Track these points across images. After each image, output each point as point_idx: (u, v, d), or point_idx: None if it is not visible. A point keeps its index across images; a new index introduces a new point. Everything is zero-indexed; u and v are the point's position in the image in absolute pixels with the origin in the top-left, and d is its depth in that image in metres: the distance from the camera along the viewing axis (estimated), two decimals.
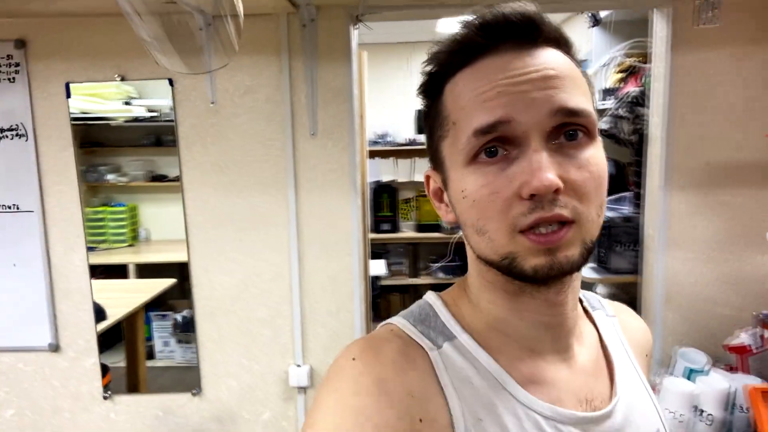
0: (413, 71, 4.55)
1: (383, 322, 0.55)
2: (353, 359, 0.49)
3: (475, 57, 0.48)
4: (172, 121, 1.73)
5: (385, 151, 4.53)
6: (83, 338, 1.83)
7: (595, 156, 0.47)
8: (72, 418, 1.87)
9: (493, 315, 0.53)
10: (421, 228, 4.73)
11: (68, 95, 1.73)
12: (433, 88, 0.51)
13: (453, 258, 4.59)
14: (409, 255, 4.93)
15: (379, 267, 4.20)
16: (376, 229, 4.60)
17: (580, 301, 0.60)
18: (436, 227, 4.61)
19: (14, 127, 1.73)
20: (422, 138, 4.43)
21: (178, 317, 2.09)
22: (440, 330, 0.53)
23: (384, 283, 4.80)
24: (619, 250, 1.95)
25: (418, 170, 4.61)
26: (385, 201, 4.68)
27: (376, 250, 4.69)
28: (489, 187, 0.46)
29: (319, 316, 1.80)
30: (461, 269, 4.60)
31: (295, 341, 1.81)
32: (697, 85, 1.64)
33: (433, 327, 0.53)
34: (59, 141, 1.74)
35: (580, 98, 0.46)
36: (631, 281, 1.91)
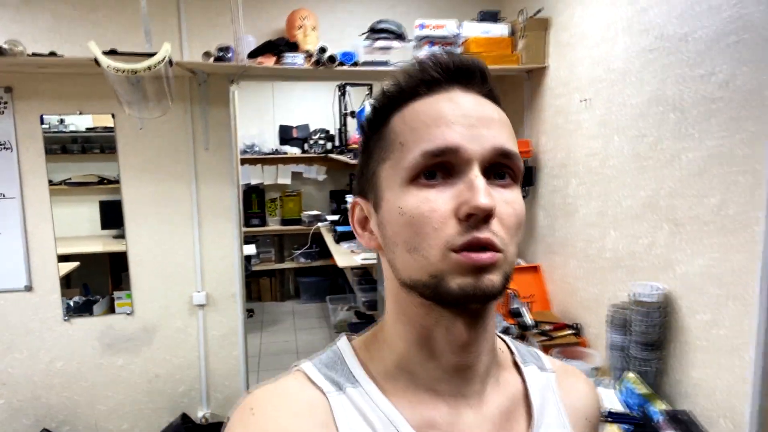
0: (276, 96, 5.75)
1: (293, 366, 0.56)
2: (251, 410, 0.50)
3: (427, 91, 0.52)
4: (113, 138, 2.78)
5: (253, 159, 5.64)
6: (49, 282, 2.79)
7: (519, 198, 0.51)
8: (40, 336, 2.81)
9: (403, 353, 0.53)
10: (285, 222, 5.93)
11: (42, 123, 2.70)
12: (379, 119, 0.54)
13: (311, 246, 5.84)
14: (276, 244, 6.10)
15: (250, 249, 5.29)
16: (247, 223, 5.69)
17: (511, 353, 0.61)
18: (298, 221, 5.83)
19: (3, 143, 2.67)
20: (285, 148, 5.67)
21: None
22: (346, 375, 0.53)
23: (256, 268, 5.90)
24: None
25: (282, 175, 5.80)
26: (254, 200, 5.80)
27: (249, 241, 5.78)
28: (428, 204, 0.48)
29: (212, 260, 2.94)
30: (319, 254, 5.87)
31: (197, 276, 2.92)
32: None
33: (339, 372, 0.54)
34: (34, 152, 2.71)
35: (513, 145, 0.51)
36: None
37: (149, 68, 2.15)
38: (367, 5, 2.94)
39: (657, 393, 1.87)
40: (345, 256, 4.50)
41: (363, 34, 2.56)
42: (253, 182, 5.75)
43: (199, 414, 3.00)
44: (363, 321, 4.64)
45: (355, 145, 4.88)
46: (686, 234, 1.77)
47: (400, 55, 2.62)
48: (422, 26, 2.48)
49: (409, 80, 0.53)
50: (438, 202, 0.48)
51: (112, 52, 2.22)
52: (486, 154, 0.49)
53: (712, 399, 1.71)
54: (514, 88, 2.89)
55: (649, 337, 1.86)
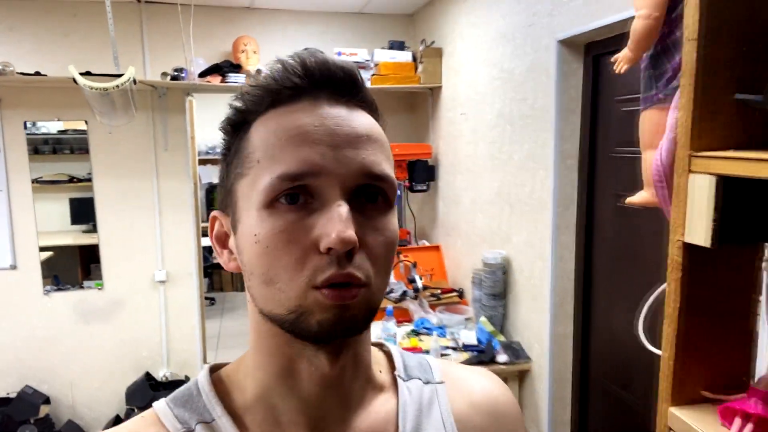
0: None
1: (149, 409, 0.51)
2: None
3: (290, 98, 0.46)
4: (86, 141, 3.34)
5: (216, 159, 6.18)
6: (31, 261, 3.32)
7: (391, 223, 0.47)
8: (23, 308, 3.34)
9: (263, 385, 0.49)
10: None
11: (25, 128, 3.24)
12: (238, 124, 0.48)
13: None
14: None
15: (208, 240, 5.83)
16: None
17: (393, 368, 0.56)
18: None
19: None
20: None
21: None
22: (199, 412, 0.50)
23: (217, 260, 6.42)
24: None
25: None
26: (216, 197, 6.33)
27: None
28: (286, 234, 0.43)
29: (172, 242, 3.51)
30: None
31: (158, 257, 3.49)
32: None
33: (191, 408, 0.50)
34: (18, 153, 3.24)
35: (385, 164, 0.46)
36: None
37: (117, 86, 2.72)
38: (302, 32, 3.55)
39: (501, 331, 2.55)
40: None
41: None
42: (215, 181, 6.29)
43: (161, 373, 3.57)
44: None
45: None
46: (517, 214, 2.45)
47: None
48: (339, 53, 3.11)
49: (270, 83, 0.46)
50: (298, 232, 0.43)
51: (87, 74, 2.78)
52: (350, 178, 0.44)
53: (532, 331, 2.38)
54: (421, 102, 3.55)
55: (495, 289, 2.53)
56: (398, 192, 3.35)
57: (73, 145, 3.69)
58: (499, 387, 0.59)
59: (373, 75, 3.22)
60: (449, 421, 0.54)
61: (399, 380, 0.55)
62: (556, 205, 2.15)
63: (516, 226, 2.46)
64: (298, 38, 3.49)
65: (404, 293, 2.99)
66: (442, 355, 2.39)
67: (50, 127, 3.57)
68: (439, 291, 3.07)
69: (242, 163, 0.47)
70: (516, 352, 2.39)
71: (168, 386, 3.52)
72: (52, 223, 3.63)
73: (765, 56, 0.82)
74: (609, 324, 2.10)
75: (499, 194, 2.60)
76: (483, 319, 2.55)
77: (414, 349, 2.47)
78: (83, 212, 3.57)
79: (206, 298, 5.26)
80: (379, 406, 0.53)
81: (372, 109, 0.49)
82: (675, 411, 0.90)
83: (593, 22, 1.85)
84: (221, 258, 0.50)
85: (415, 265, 3.14)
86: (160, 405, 0.51)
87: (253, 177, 0.45)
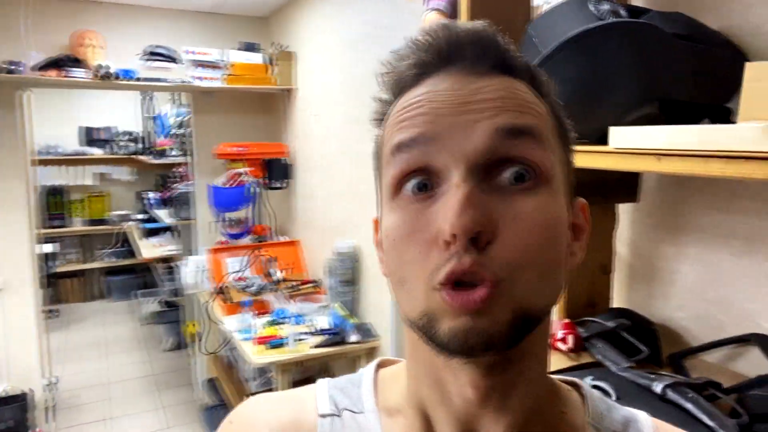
0: (82, 100, 5.89)
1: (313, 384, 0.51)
2: (230, 422, 0.48)
3: (417, 79, 0.41)
4: None
5: (56, 159, 5.73)
6: None
7: (544, 206, 0.38)
8: None
9: (415, 390, 0.44)
10: (91, 222, 6.06)
11: None
12: (380, 117, 0.45)
13: (121, 245, 6.07)
14: (82, 245, 6.19)
15: (48, 247, 5.39)
16: (48, 224, 5.72)
17: (587, 410, 0.46)
18: (104, 221, 6.02)
19: None
20: (89, 149, 5.85)
21: None
22: (353, 401, 0.47)
23: (61, 269, 5.95)
24: None
25: (87, 176, 5.96)
26: (56, 201, 5.87)
27: (52, 240, 5.82)
28: (408, 226, 0.38)
29: (6, 249, 3.26)
30: (129, 253, 6.12)
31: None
32: None
33: (348, 395, 0.48)
34: None
35: (531, 123, 0.38)
36: None
37: None
38: (151, 29, 3.49)
39: (353, 314, 2.77)
40: (149, 249, 4.93)
41: (140, 55, 3.14)
42: (58, 183, 5.83)
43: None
44: (169, 309, 5.08)
45: (161, 147, 5.31)
46: (365, 205, 2.68)
47: (178, 73, 3.24)
48: (188, 52, 3.13)
49: (399, 67, 0.43)
50: (418, 224, 0.38)
51: None
52: (475, 147, 0.37)
53: (380, 313, 2.63)
54: (276, 103, 3.68)
55: (346, 276, 2.74)
56: (257, 190, 3.39)
57: None
58: None
59: (228, 75, 3.28)
60: None
61: (592, 429, 0.45)
62: None
63: (365, 216, 2.69)
64: (146, 35, 3.43)
65: (262, 287, 3.10)
66: (299, 340, 2.54)
67: None
68: (297, 283, 3.22)
69: (379, 156, 0.44)
70: (366, 332, 2.62)
71: (4, 402, 3.26)
72: None
73: None
74: None
75: (350, 189, 2.81)
76: (336, 304, 2.75)
77: (272, 337, 2.59)
78: None
79: (49, 310, 4.88)
80: None
81: (521, 74, 0.41)
82: None
83: None
84: (381, 264, 0.45)
85: (271, 259, 3.26)
86: (322, 384, 0.50)
87: (384, 168, 0.42)
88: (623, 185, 1.24)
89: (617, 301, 1.32)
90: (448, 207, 0.36)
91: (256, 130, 3.79)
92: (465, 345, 0.36)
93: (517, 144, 0.38)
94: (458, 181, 0.37)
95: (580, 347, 1.08)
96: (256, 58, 3.39)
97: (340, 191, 2.91)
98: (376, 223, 0.46)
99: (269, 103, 3.82)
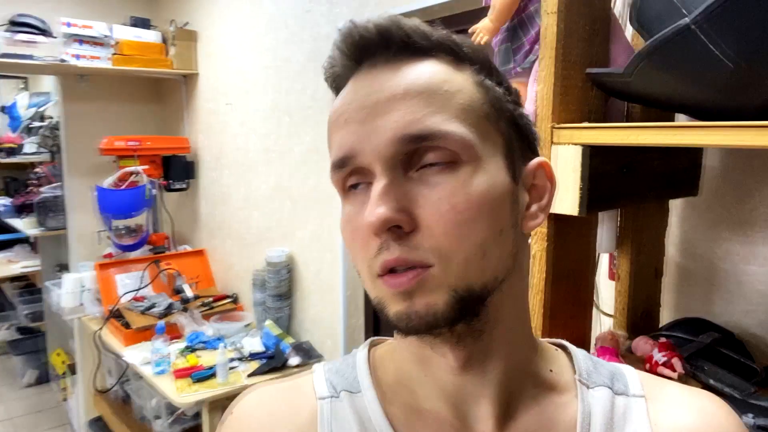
0: None
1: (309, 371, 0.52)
2: (232, 414, 0.49)
3: (340, 83, 0.43)
4: None
5: None
6: None
7: (469, 184, 0.39)
8: None
9: (404, 368, 0.47)
10: None
11: None
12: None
13: None
14: None
15: None
16: None
17: (574, 371, 0.48)
18: None
19: None
20: None
21: None
22: (349, 382, 0.48)
23: None
24: None
25: None
26: None
27: None
28: (350, 222, 0.41)
29: None
30: None
31: None
32: None
33: (344, 377, 0.49)
34: None
35: (433, 118, 0.39)
36: None
37: None
38: None
39: (288, 332, 2.42)
40: (1, 266, 4.09)
41: (1, 25, 2.49)
42: None
43: None
44: (27, 336, 4.25)
45: (9, 144, 4.42)
46: (300, 208, 2.35)
47: (48, 50, 2.62)
48: (69, 24, 2.55)
49: (326, 75, 0.45)
50: (357, 219, 0.41)
51: None
52: (385, 149, 0.39)
53: (322, 327, 2.31)
54: (173, 91, 3.17)
55: (280, 290, 2.38)
56: (154, 191, 2.87)
57: None
58: (723, 412, 0.46)
59: (114, 55, 2.74)
60: None
61: (580, 385, 0.47)
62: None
63: (300, 221, 2.35)
64: (18, 2, 2.75)
65: (170, 306, 2.62)
66: (229, 369, 2.15)
67: None
68: (210, 299, 2.77)
69: None
70: (307, 351, 2.29)
71: None
72: None
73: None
74: None
75: (278, 189, 2.46)
76: (269, 322, 2.38)
77: (194, 368, 2.16)
78: None
79: None
80: (552, 408, 0.46)
81: (436, 51, 0.42)
82: None
83: (374, 13, 1.87)
84: None
85: (179, 273, 2.78)
86: (318, 369, 0.51)
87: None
88: (683, 178, 1.09)
89: (667, 308, 1.18)
90: (369, 201, 0.39)
91: (145, 122, 3.24)
92: (410, 326, 0.39)
93: (421, 143, 0.39)
94: (377, 176, 0.39)
95: (687, 372, 0.90)
96: (149, 36, 2.87)
97: (266, 193, 2.54)
98: None
99: (162, 91, 3.28)
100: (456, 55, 0.42)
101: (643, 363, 0.94)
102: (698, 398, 0.47)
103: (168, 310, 2.59)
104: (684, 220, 1.16)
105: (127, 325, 2.49)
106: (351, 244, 0.42)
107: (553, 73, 0.84)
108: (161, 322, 2.27)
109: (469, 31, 1.05)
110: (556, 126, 0.85)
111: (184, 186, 3.03)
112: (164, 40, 2.93)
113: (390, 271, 0.39)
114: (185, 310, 2.63)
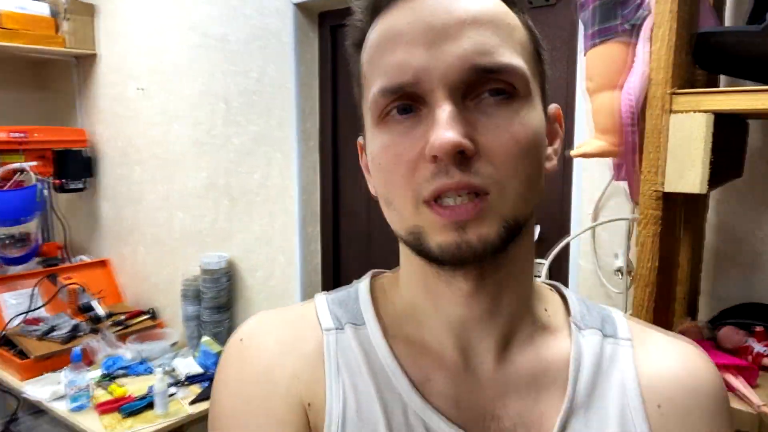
0: None
1: (310, 300, 0.52)
2: (241, 340, 0.48)
3: (388, 1, 0.42)
4: None
5: None
6: None
7: (524, 117, 0.40)
8: None
9: (410, 300, 0.48)
10: None
11: None
12: (357, 43, 0.45)
13: None
14: None
15: None
16: None
17: (568, 313, 0.50)
18: None
19: None
20: None
21: None
22: (353, 314, 0.48)
23: None
24: None
25: None
26: None
27: None
28: (393, 148, 0.40)
29: None
30: None
31: None
32: None
33: (347, 309, 0.49)
34: None
35: (502, 49, 0.39)
36: None
37: None
38: None
39: None
40: None
41: None
42: None
43: None
44: None
45: None
46: (242, 206, 2.07)
47: None
48: None
49: None
50: (404, 145, 0.40)
51: None
52: (452, 76, 0.38)
53: None
54: (63, 74, 2.69)
55: (219, 300, 2.09)
56: (45, 192, 2.41)
57: None
58: (702, 360, 0.47)
59: None
60: (633, 387, 0.45)
61: (573, 326, 0.48)
62: (301, 192, 1.90)
63: (241, 221, 2.08)
64: None
65: (75, 328, 2.19)
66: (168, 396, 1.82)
67: None
68: (122, 317, 2.37)
69: (359, 82, 0.45)
70: None
71: None
72: None
73: None
74: None
75: (212, 186, 2.15)
76: (206, 339, 2.07)
77: (123, 400, 1.81)
78: None
79: None
80: (546, 348, 0.47)
81: None
82: None
83: None
84: (370, 185, 0.47)
85: (84, 289, 2.35)
86: (321, 299, 0.51)
87: (366, 96, 0.43)
88: (728, 160, 1.05)
89: (704, 294, 1.14)
90: (436, 126, 0.37)
91: (29, 111, 2.73)
92: (456, 257, 0.39)
93: (488, 74, 0.39)
94: (441, 103, 0.38)
95: None
96: (36, 7, 2.40)
97: (195, 191, 2.22)
98: (361, 147, 0.48)
99: (49, 74, 2.78)
100: None
101: (739, 354, 0.87)
102: (681, 346, 0.48)
103: (74, 333, 2.17)
104: (719, 203, 1.14)
105: (22, 354, 2.04)
106: (390, 170, 0.41)
107: (672, 30, 0.74)
108: (77, 349, 1.87)
109: None
110: (677, 92, 0.75)
111: (81, 186, 2.58)
112: (55, 14, 2.47)
113: (438, 199, 0.38)
114: (95, 331, 2.22)
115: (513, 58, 0.40)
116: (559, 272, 1.40)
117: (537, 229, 1.45)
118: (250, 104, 1.99)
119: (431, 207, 0.39)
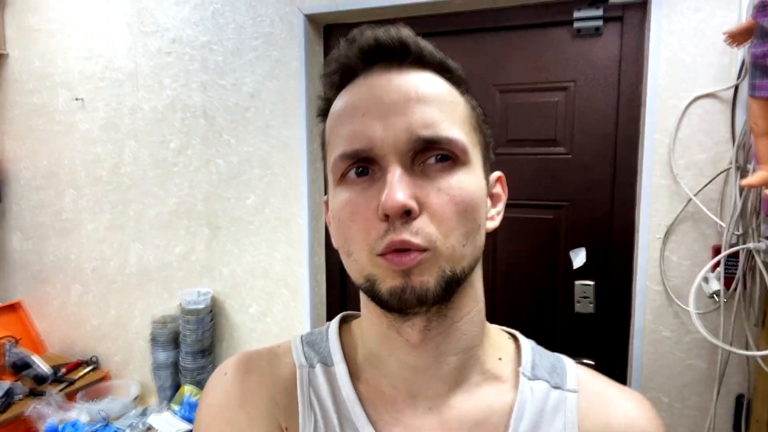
0: None
1: (287, 340, 0.58)
2: (224, 374, 0.54)
3: (349, 78, 0.48)
4: None
5: None
6: None
7: (463, 182, 0.45)
8: None
9: (369, 347, 0.52)
10: None
11: None
12: (323, 112, 0.51)
13: None
14: None
15: None
16: None
17: (520, 363, 0.53)
18: None
19: None
20: None
21: None
22: (323, 354, 0.53)
23: None
24: None
25: None
26: None
27: None
28: (350, 205, 0.45)
29: None
30: None
31: None
32: None
33: (317, 350, 0.54)
34: None
35: (444, 124, 0.45)
36: None
37: None
38: None
39: None
40: None
41: None
42: None
43: None
44: None
45: None
46: (227, 236, 1.85)
47: None
48: None
49: (332, 68, 0.49)
50: (359, 202, 0.45)
51: None
52: (401, 145, 0.44)
53: None
54: None
55: (203, 344, 1.84)
56: None
57: None
58: (647, 418, 0.50)
59: None
60: None
61: (522, 377, 0.51)
62: (310, 219, 1.75)
63: (231, 251, 1.85)
64: None
65: (9, 392, 1.77)
66: None
67: None
68: (62, 370, 1.97)
69: (323, 147, 0.50)
70: None
71: None
72: None
73: None
74: None
75: (187, 213, 1.89)
76: (189, 387, 1.81)
77: None
78: None
79: None
80: (492, 396, 0.50)
81: (435, 67, 0.48)
82: None
83: (340, 1, 1.60)
84: (332, 239, 0.50)
85: (15, 343, 1.90)
86: (296, 340, 0.56)
87: (329, 159, 0.48)
88: None
89: None
90: (387, 187, 0.42)
91: None
92: (401, 300, 0.43)
93: (431, 144, 0.44)
94: (392, 168, 0.43)
95: None
96: None
97: (158, 220, 1.93)
98: (326, 204, 0.53)
99: None
100: (452, 74, 0.49)
101: None
102: (628, 400, 0.51)
103: (9, 399, 1.75)
104: None
105: None
106: (348, 225, 0.45)
107: None
108: (52, 420, 1.51)
109: (724, 32, 0.98)
110: None
111: None
112: None
113: (393, 251, 0.43)
114: (35, 394, 1.82)
115: (453, 131, 0.45)
116: (621, 292, 1.48)
117: (582, 255, 1.51)
118: (241, 122, 1.79)
119: (384, 257, 0.43)
